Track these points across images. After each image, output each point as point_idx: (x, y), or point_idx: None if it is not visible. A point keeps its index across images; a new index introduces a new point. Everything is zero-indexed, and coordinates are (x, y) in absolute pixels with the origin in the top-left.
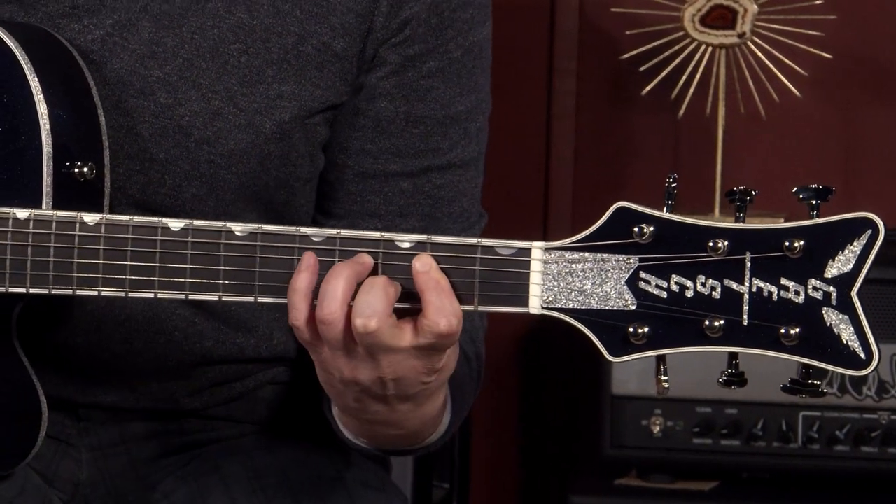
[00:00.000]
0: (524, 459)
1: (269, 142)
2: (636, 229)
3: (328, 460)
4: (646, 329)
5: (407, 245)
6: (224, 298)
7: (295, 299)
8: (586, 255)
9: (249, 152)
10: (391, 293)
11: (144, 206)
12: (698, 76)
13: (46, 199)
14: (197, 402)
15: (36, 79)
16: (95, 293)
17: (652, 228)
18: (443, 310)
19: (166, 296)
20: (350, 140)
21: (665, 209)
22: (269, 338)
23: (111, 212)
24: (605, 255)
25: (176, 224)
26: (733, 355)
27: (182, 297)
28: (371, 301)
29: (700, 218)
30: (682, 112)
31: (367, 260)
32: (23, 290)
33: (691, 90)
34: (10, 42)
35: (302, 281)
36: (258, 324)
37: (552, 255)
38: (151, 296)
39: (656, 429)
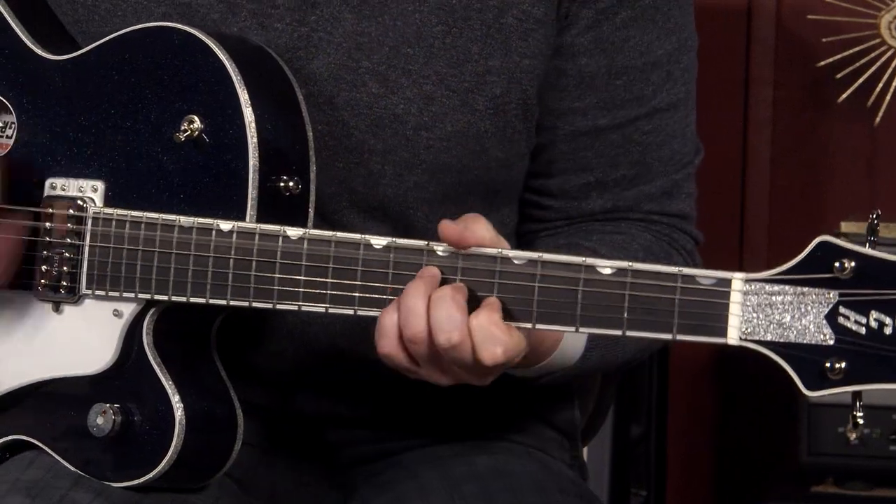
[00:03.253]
0: (720, 466)
1: (483, 119)
2: (837, 264)
3: (524, 468)
4: (843, 364)
5: (608, 271)
6: None
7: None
8: (786, 287)
9: (467, 132)
10: (461, 301)
11: (367, 200)
12: (895, 83)
13: (250, 212)
14: (395, 411)
15: (245, 92)
16: (296, 307)
17: (853, 264)
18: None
19: (366, 313)
20: (557, 101)
21: (867, 245)
22: None
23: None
24: (804, 289)
25: (379, 241)
26: None
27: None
28: (450, 315)
29: None
30: (878, 119)
31: (434, 272)
32: (223, 302)
33: (888, 97)
34: (222, 55)
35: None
36: None
37: (752, 287)
38: (351, 312)
39: (853, 436)
